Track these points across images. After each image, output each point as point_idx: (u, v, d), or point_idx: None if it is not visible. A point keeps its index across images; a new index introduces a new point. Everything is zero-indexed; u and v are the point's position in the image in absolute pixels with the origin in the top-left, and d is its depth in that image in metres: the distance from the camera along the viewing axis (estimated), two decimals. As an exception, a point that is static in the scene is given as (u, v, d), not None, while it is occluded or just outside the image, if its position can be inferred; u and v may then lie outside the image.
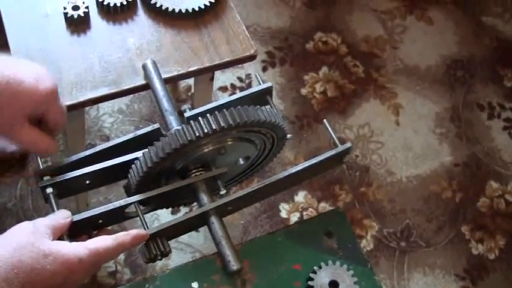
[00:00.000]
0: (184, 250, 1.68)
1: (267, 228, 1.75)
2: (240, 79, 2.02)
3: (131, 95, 1.88)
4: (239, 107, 0.81)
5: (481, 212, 1.92)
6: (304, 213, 1.80)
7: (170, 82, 1.08)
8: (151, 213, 1.60)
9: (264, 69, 2.06)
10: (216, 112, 0.80)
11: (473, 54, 2.25)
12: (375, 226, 1.83)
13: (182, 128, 0.79)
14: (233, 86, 2.00)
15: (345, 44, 2.17)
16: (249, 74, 2.03)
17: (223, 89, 1.99)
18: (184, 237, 1.68)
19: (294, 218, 1.78)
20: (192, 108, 0.88)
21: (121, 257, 1.64)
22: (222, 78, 2.01)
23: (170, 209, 1.60)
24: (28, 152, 0.83)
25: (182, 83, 1.95)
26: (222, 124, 0.79)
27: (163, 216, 1.65)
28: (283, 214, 1.79)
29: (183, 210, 1.65)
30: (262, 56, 2.08)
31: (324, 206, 1.82)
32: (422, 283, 1.76)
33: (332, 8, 2.25)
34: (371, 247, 1.79)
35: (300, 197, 1.83)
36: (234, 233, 1.72)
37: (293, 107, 2.00)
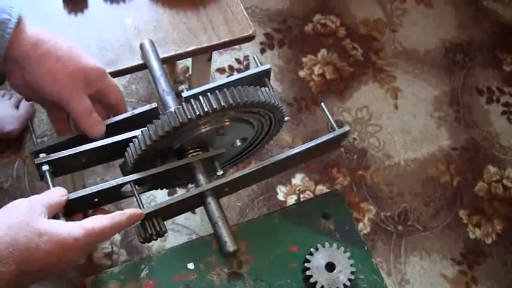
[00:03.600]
0: (180, 232, 1.68)
1: (264, 210, 1.75)
2: (237, 61, 2.01)
3: (129, 76, 1.88)
4: (239, 87, 0.80)
5: (479, 197, 1.92)
6: (302, 195, 1.80)
7: (168, 62, 1.07)
8: (148, 193, 1.60)
9: (262, 51, 2.05)
10: (217, 91, 0.79)
11: (473, 38, 2.24)
12: (373, 209, 1.83)
13: (183, 106, 0.78)
14: (231, 67, 1.99)
15: (344, 27, 2.16)
16: (247, 56, 2.02)
17: (221, 70, 1.98)
18: (181, 219, 1.68)
19: (291, 200, 1.78)
20: (190, 89, 0.87)
21: (117, 238, 1.64)
22: (220, 59, 2.00)
23: (167, 190, 1.60)
24: (79, 127, 0.85)
25: (180, 64, 1.94)
26: (223, 103, 0.78)
27: (160, 197, 1.64)
28: (281, 196, 1.79)
29: (180, 191, 1.65)
30: (260, 37, 2.06)
31: (322, 189, 1.82)
32: (418, 267, 1.77)
33: (332, -10, 2.24)
34: (368, 230, 1.79)
35: (298, 179, 1.83)
36: (231, 214, 1.72)
37: (291, 89, 1.99)
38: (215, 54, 1.97)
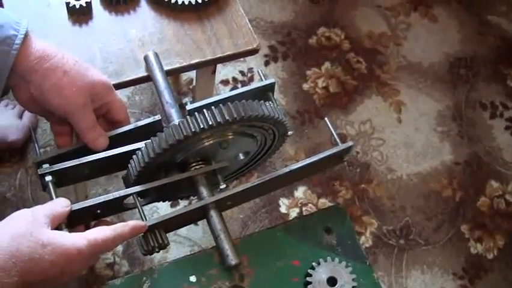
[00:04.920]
0: (182, 243, 1.68)
1: (266, 223, 1.75)
2: (242, 73, 2.01)
3: (133, 87, 1.88)
4: (244, 101, 0.81)
5: (481, 211, 1.92)
6: (304, 208, 1.80)
7: (172, 74, 1.08)
8: (150, 205, 1.60)
9: (267, 63, 2.06)
10: (221, 105, 0.80)
11: (477, 53, 2.24)
12: (375, 223, 1.82)
13: (187, 120, 0.79)
14: (235, 79, 2.00)
15: (348, 40, 2.16)
16: (251, 68, 2.03)
17: (225, 82, 1.99)
18: (183, 231, 1.68)
19: (294, 213, 1.78)
20: (193, 101, 0.88)
21: (119, 249, 1.64)
22: (224, 71, 2.00)
23: (169, 201, 1.60)
24: (81, 139, 0.86)
25: (184, 76, 1.95)
26: (227, 117, 0.78)
27: (163, 209, 1.64)
28: (283, 209, 1.79)
29: (182, 203, 1.65)
30: (264, 50, 2.07)
31: (324, 202, 1.82)
32: (420, 281, 1.76)
33: (336, 3, 2.24)
34: (369, 244, 1.79)
35: (300, 192, 1.83)
36: (233, 227, 1.72)
37: (295, 102, 1.99)
38: (219, 66, 1.96)
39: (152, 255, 1.62)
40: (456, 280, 1.78)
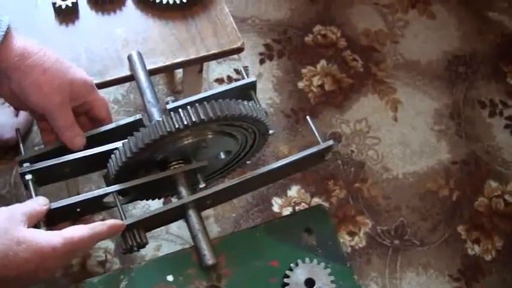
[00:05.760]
0: (174, 242, 1.67)
1: (258, 221, 1.74)
2: (236, 71, 2.00)
3: (128, 85, 1.88)
4: (220, 100, 0.81)
5: (479, 212, 1.90)
6: (297, 208, 1.79)
7: (156, 74, 1.08)
8: (143, 203, 1.61)
9: (262, 61, 2.05)
10: (197, 104, 0.80)
11: (476, 50, 2.22)
12: (369, 223, 1.81)
13: (163, 119, 0.79)
14: (229, 78, 1.99)
15: (345, 38, 2.15)
16: (246, 66, 2.02)
17: (219, 80, 1.98)
18: (175, 229, 1.67)
19: (286, 212, 1.77)
20: (175, 100, 0.88)
21: (111, 246, 1.64)
22: (219, 70, 2.00)
23: (162, 199, 1.60)
24: (61, 139, 0.87)
25: (179, 74, 1.95)
26: (203, 117, 0.79)
27: (155, 207, 1.64)
28: (276, 208, 1.78)
29: (174, 201, 1.65)
30: (260, 48, 2.06)
31: (318, 201, 1.81)
32: (414, 283, 1.75)
33: (332, 1, 2.22)
34: (363, 244, 1.78)
35: (293, 191, 1.82)
36: (225, 226, 1.72)
37: (289, 100, 1.98)
38: (213, 64, 1.97)
39: (144, 253, 1.62)
40: (452, 282, 1.77)
